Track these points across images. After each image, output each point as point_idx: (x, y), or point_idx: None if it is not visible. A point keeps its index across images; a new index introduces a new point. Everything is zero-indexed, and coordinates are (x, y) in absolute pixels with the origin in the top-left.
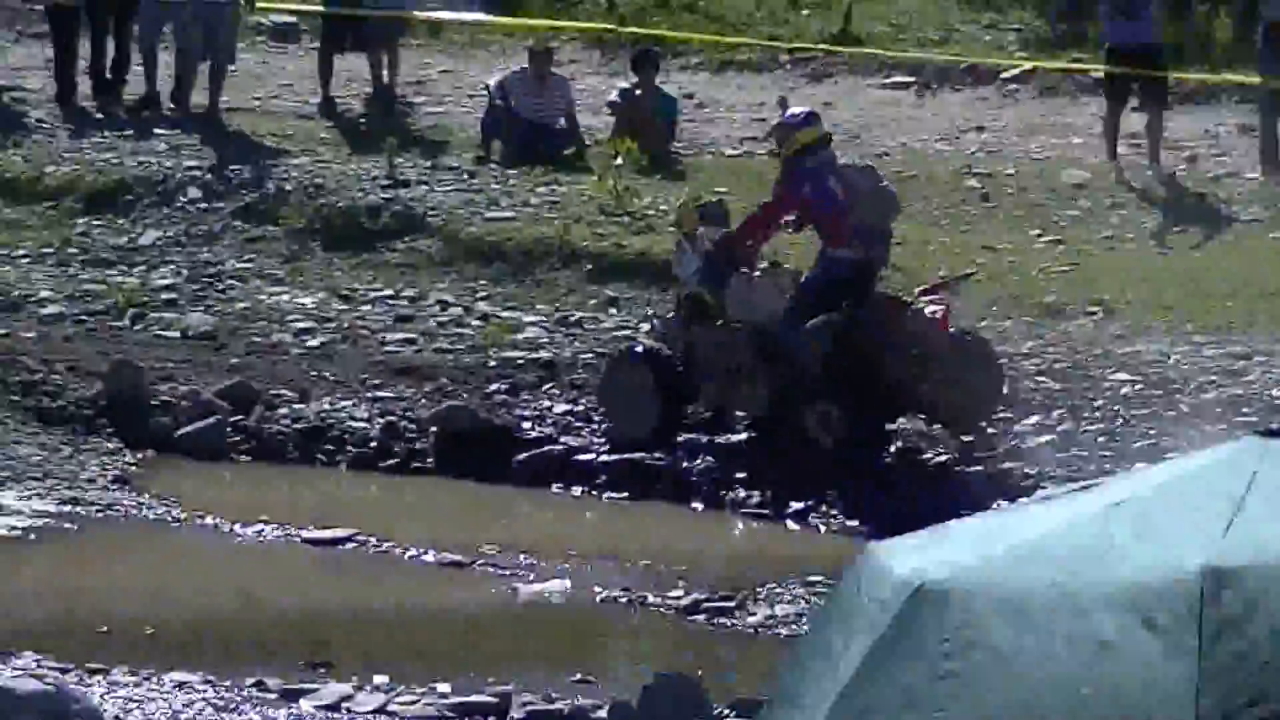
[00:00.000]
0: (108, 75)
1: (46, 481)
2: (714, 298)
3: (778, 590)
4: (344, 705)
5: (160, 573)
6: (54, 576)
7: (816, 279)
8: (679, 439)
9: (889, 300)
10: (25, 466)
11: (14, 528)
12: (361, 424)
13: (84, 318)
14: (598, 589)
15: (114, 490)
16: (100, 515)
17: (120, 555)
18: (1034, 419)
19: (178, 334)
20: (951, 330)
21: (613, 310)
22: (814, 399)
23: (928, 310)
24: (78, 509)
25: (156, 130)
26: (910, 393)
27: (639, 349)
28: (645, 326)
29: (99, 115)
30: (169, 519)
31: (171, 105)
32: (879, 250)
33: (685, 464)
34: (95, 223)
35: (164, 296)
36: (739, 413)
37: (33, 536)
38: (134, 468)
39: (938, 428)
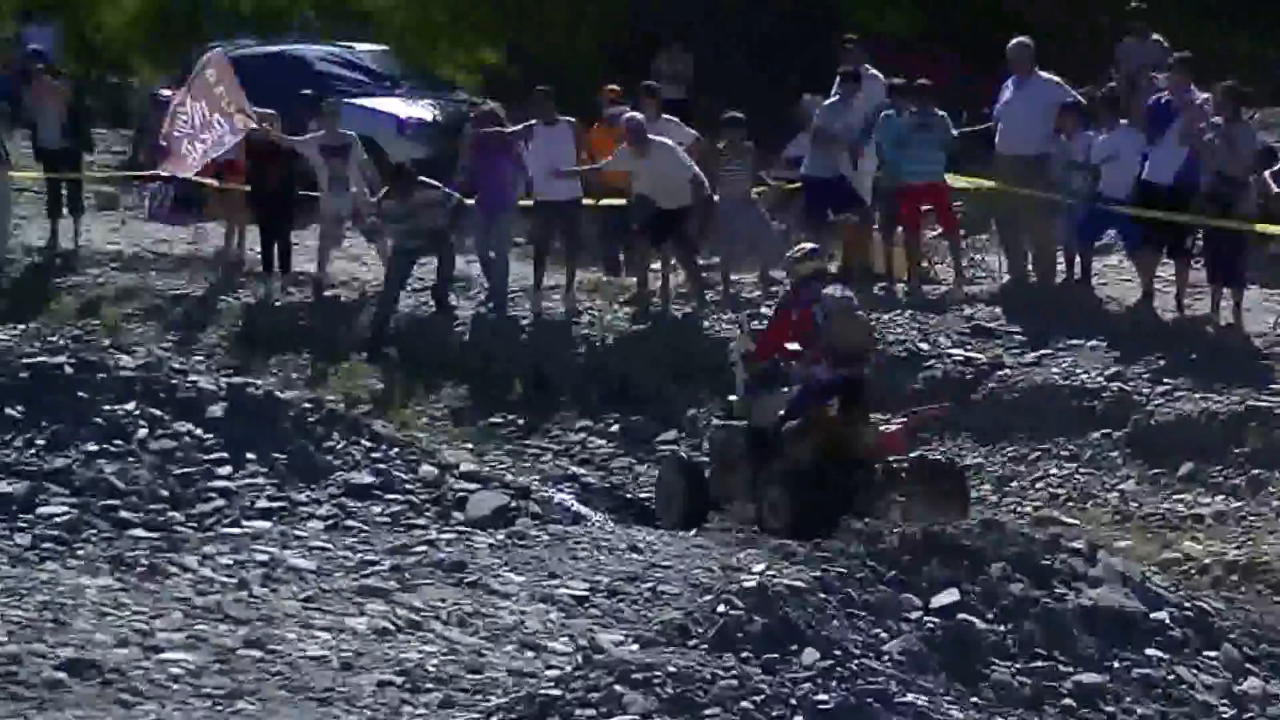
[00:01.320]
0: None
1: None
2: (745, 408)
3: None
4: None
5: None
6: None
7: (794, 393)
8: None
9: (855, 412)
10: None
11: None
12: None
13: None
14: None
15: None
16: None
17: None
18: None
19: None
20: (901, 452)
21: None
22: (772, 489)
23: (884, 428)
24: None
25: None
26: (859, 497)
27: (669, 453)
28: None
29: None
30: None
31: None
32: (853, 370)
33: None
34: None
35: None
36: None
37: None
38: None
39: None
